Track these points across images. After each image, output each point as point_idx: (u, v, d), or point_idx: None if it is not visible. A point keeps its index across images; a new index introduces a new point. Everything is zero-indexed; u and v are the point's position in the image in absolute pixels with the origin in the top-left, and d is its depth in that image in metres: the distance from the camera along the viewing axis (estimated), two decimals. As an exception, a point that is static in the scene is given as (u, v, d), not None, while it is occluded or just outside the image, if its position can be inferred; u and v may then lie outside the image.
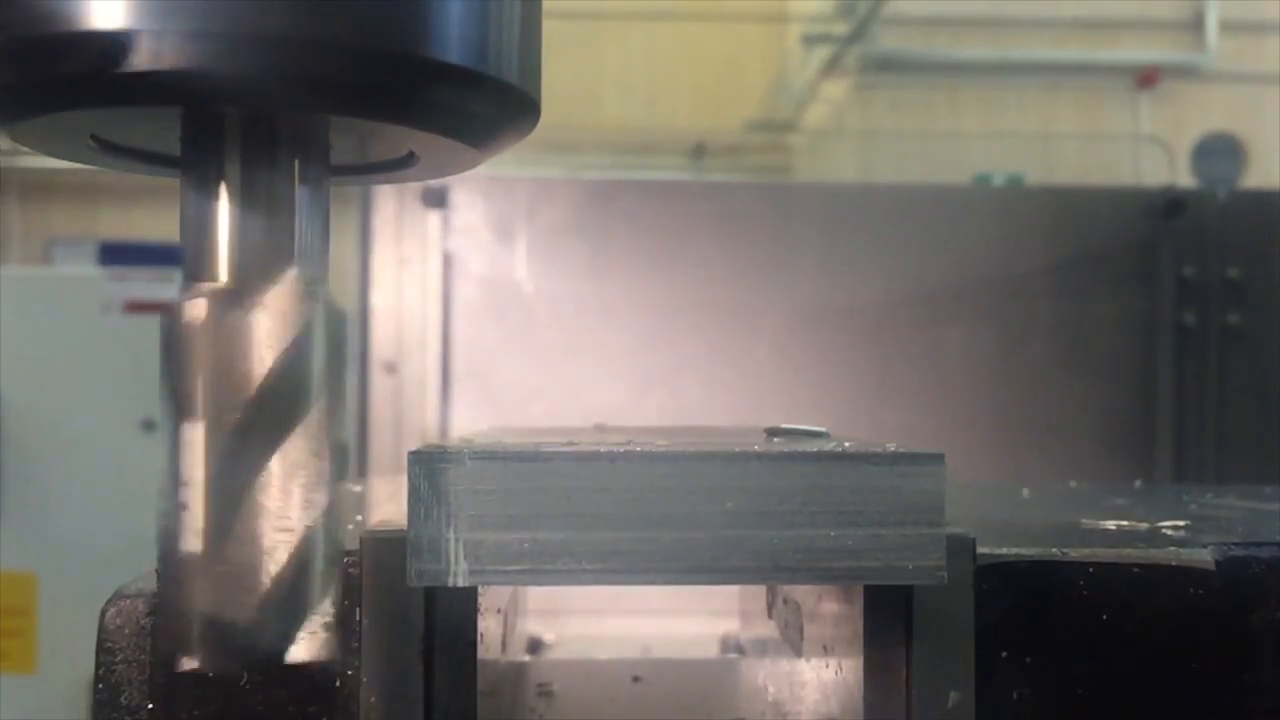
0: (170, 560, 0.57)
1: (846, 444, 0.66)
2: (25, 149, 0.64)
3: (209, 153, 0.58)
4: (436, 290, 2.57)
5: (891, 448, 0.62)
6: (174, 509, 0.56)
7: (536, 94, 0.63)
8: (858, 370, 2.64)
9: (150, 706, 0.64)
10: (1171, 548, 0.69)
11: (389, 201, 2.57)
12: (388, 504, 0.98)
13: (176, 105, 0.57)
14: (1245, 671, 0.68)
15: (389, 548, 0.62)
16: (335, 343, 0.59)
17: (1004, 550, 0.67)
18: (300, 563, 0.56)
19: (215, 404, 0.56)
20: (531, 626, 1.41)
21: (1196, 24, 8.00)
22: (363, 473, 2.39)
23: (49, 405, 3.78)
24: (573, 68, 7.53)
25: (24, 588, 3.71)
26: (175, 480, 0.56)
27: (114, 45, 0.52)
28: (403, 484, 0.59)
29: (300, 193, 0.59)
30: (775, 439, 0.75)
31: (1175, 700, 0.68)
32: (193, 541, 0.56)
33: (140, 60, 0.52)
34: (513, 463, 0.58)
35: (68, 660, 3.49)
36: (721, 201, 2.73)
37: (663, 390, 2.56)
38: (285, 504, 0.56)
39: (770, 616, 0.98)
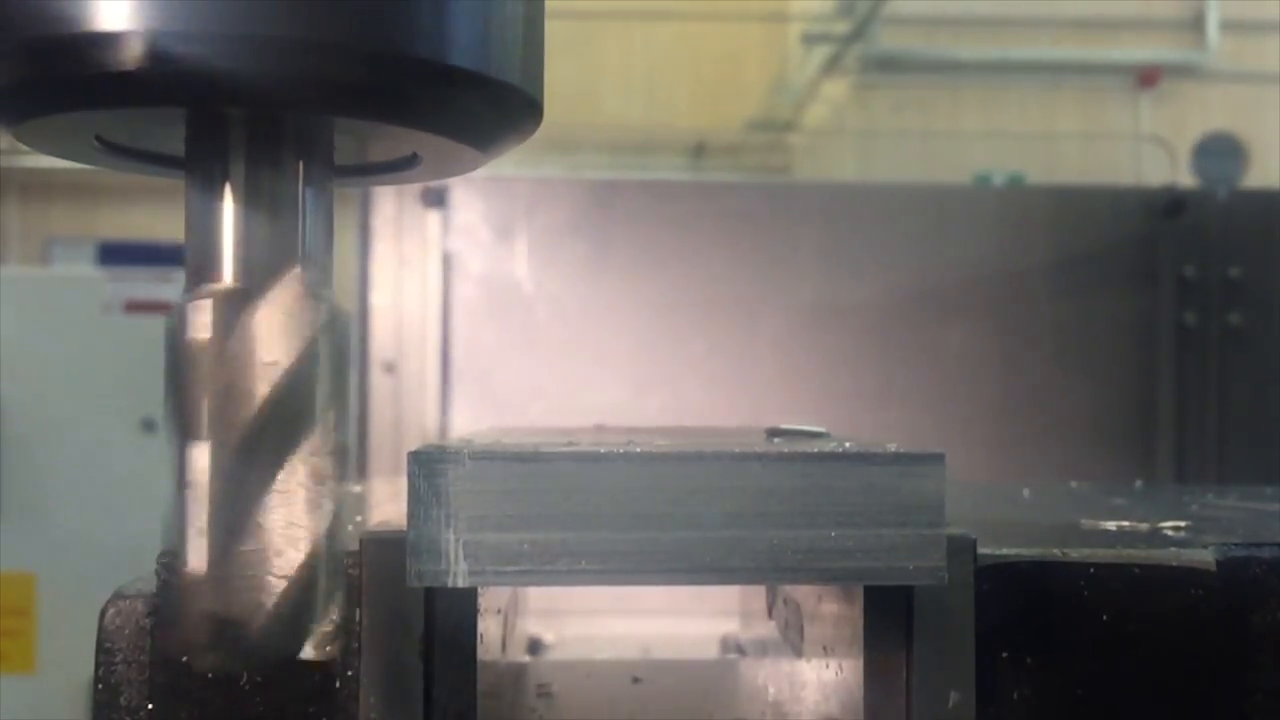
0: (175, 565, 0.57)
1: (847, 444, 0.66)
2: (24, 148, 0.64)
3: (214, 154, 0.58)
4: (436, 290, 2.57)
5: (892, 448, 0.62)
6: (179, 510, 0.57)
7: (539, 95, 0.63)
8: (858, 370, 2.64)
9: (150, 706, 0.64)
10: (1172, 548, 0.69)
11: (389, 201, 2.57)
12: (388, 504, 0.98)
13: (181, 106, 0.57)
14: (1245, 672, 0.68)
15: (389, 548, 0.63)
16: (339, 344, 0.59)
17: (1004, 550, 0.67)
18: (307, 567, 0.57)
19: (220, 406, 0.56)
20: (531, 627, 1.42)
21: (1197, 23, 8.00)
22: (363, 473, 2.39)
23: (49, 405, 3.78)
24: (573, 67, 7.53)
25: (24, 588, 3.71)
26: (181, 482, 0.56)
27: (119, 46, 0.52)
28: (403, 484, 0.59)
29: (305, 193, 0.59)
30: (775, 439, 0.75)
31: (1176, 700, 0.68)
32: (198, 544, 0.56)
33: (145, 61, 0.52)
34: (513, 463, 0.58)
35: (68, 660, 3.49)
36: (721, 201, 2.73)
37: (663, 390, 2.56)
38: (292, 508, 0.56)
39: (770, 616, 0.98)
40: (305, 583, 0.56)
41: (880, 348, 2.65)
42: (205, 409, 0.56)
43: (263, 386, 0.56)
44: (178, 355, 0.57)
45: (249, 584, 0.56)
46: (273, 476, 0.56)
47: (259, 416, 0.56)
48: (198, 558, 0.56)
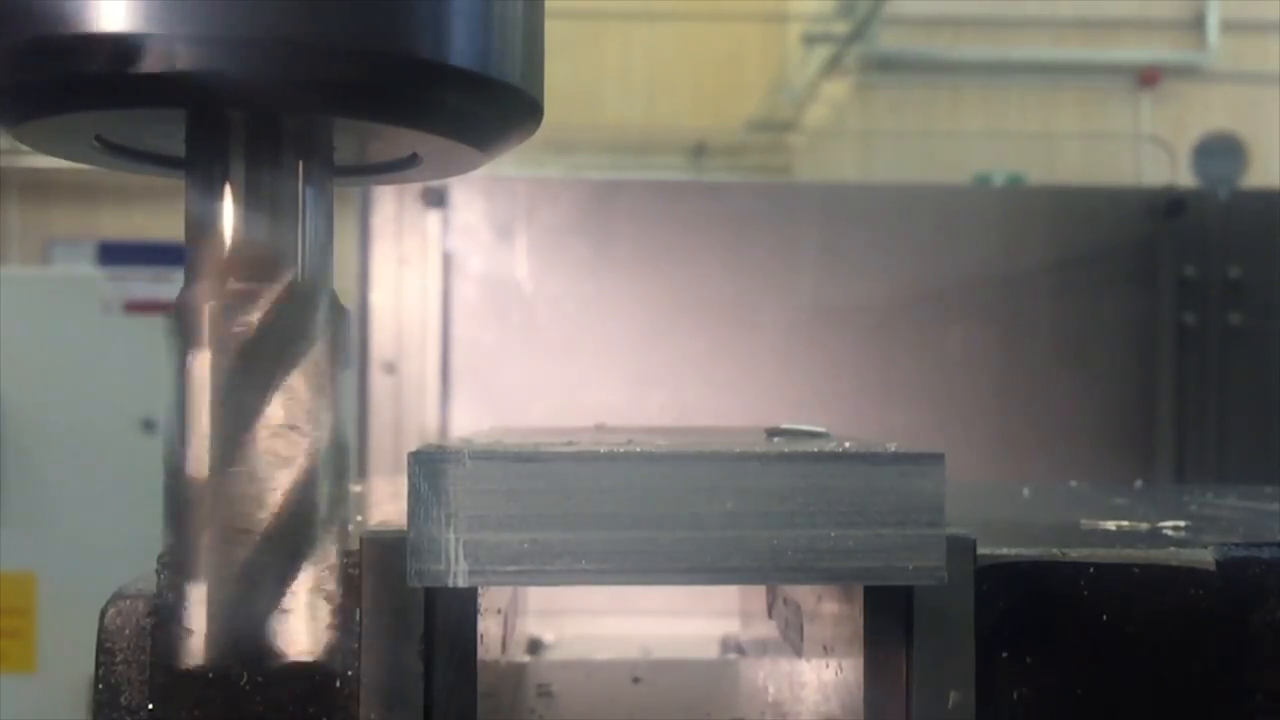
0: (176, 560, 0.57)
1: (847, 444, 0.66)
2: (24, 148, 0.64)
3: (214, 154, 0.59)
4: (436, 290, 2.56)
5: (892, 448, 0.62)
6: (178, 510, 0.57)
7: (539, 96, 0.63)
8: (858, 370, 2.64)
9: (150, 706, 0.64)
10: (1172, 548, 0.69)
11: (389, 201, 2.57)
12: (388, 504, 0.98)
13: (182, 107, 0.57)
14: (1245, 671, 0.68)
15: (389, 548, 0.63)
16: (338, 343, 0.59)
17: (1004, 550, 0.67)
18: (303, 563, 0.57)
19: (219, 406, 0.56)
20: (531, 626, 1.42)
21: (1197, 23, 8.00)
22: (363, 473, 2.39)
23: (49, 405, 3.78)
24: (573, 68, 7.53)
25: (24, 588, 3.71)
26: (180, 483, 0.56)
27: (121, 48, 0.52)
28: (403, 484, 0.59)
29: (304, 194, 0.59)
30: (775, 439, 0.75)
31: (1175, 700, 0.68)
32: (197, 541, 0.56)
33: (147, 63, 0.52)
34: (513, 463, 0.58)
35: (68, 660, 3.49)
36: (721, 201, 2.73)
37: (664, 390, 2.56)
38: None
39: (770, 616, 0.98)
40: (305, 625, 0.56)
41: (880, 348, 2.65)
42: (205, 405, 0.56)
43: (261, 382, 0.56)
44: (178, 354, 0.57)
45: (250, 623, 0.56)
46: (272, 469, 0.56)
47: (259, 409, 0.56)
48: (197, 598, 0.56)
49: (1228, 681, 0.68)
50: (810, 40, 7.73)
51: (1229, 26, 7.91)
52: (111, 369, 3.73)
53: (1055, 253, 2.71)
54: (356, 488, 1.21)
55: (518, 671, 1.12)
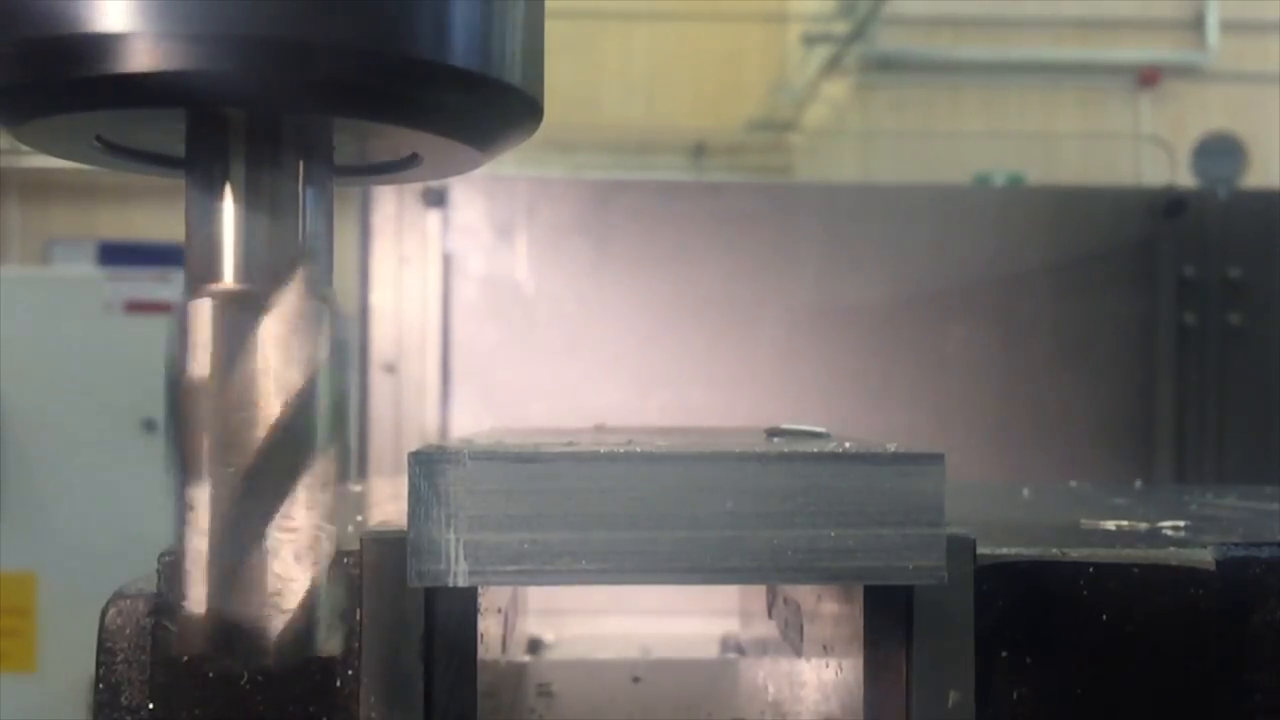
0: (176, 559, 0.57)
1: (847, 444, 0.67)
2: (24, 148, 0.64)
3: (214, 154, 0.58)
4: (436, 290, 2.56)
5: (891, 448, 0.62)
6: (180, 510, 0.57)
7: (539, 95, 0.63)
8: (858, 370, 2.64)
9: (150, 706, 0.64)
10: (1172, 548, 0.69)
11: (389, 200, 2.57)
12: (388, 504, 0.98)
13: (182, 107, 0.57)
14: (1245, 671, 0.68)
15: (389, 548, 0.63)
16: (338, 343, 0.59)
17: (1004, 550, 0.67)
18: (303, 563, 0.57)
19: (220, 406, 0.56)
20: (531, 626, 1.42)
21: (1197, 23, 8.00)
22: (363, 473, 2.39)
23: (49, 405, 3.78)
24: (573, 68, 7.53)
25: (24, 588, 3.71)
26: (181, 483, 0.56)
27: (121, 48, 0.52)
28: (403, 484, 0.59)
29: (305, 193, 0.59)
30: (775, 439, 0.75)
31: (1175, 700, 0.68)
32: (198, 540, 0.56)
33: (147, 62, 0.52)
34: (513, 463, 0.58)
35: (68, 660, 3.49)
36: (722, 201, 2.73)
37: (663, 390, 2.56)
38: (289, 506, 0.56)
39: (770, 616, 0.98)
40: (301, 574, 0.56)
41: (880, 348, 2.65)
42: (205, 407, 0.56)
43: (261, 384, 0.56)
44: (177, 356, 0.57)
45: (245, 572, 0.55)
46: (270, 469, 0.56)
47: (257, 414, 0.56)
48: (197, 596, 0.56)
49: (1228, 681, 0.68)
50: (810, 40, 7.73)
51: (1229, 26, 7.91)
52: (111, 369, 3.73)
53: (1055, 253, 2.71)
54: (356, 488, 1.21)
55: (518, 671, 1.12)
